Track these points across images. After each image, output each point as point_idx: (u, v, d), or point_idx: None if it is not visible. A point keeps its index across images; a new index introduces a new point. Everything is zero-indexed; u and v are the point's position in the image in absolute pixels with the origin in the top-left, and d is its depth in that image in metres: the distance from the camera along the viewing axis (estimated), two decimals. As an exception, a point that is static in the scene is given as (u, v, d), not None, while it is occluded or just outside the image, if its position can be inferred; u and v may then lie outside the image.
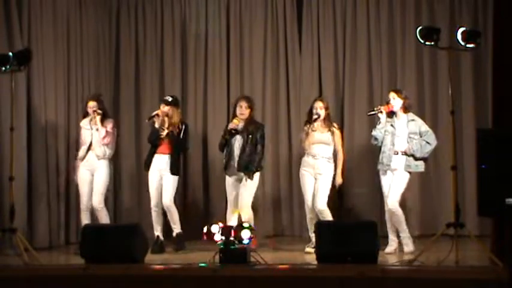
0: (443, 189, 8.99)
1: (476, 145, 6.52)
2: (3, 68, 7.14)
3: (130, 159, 9.81)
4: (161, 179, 8.07)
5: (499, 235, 6.47)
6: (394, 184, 7.55)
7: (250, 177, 7.83)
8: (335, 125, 7.97)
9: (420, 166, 7.63)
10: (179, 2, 9.98)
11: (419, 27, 6.84)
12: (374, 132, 7.69)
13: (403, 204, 7.79)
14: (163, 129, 8.06)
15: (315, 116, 7.81)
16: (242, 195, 7.84)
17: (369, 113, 7.94)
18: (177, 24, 9.97)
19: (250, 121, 7.95)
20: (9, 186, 7.18)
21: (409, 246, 7.44)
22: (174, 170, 8.06)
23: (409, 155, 7.54)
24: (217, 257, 6.33)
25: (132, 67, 10.00)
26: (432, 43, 6.71)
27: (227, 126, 8.08)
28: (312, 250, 7.33)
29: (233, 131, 7.91)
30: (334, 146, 7.87)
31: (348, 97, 9.51)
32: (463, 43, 6.66)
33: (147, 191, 8.21)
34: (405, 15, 9.42)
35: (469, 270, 5.96)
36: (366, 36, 9.54)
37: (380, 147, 7.69)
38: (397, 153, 7.57)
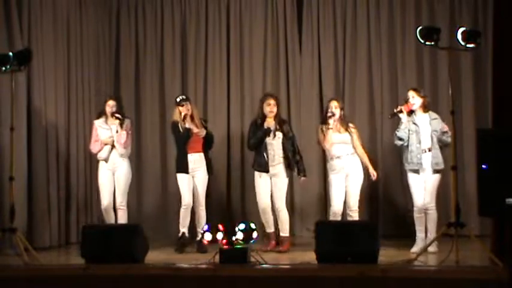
0: (443, 189, 8.98)
1: (477, 145, 6.52)
2: (4, 68, 7.14)
3: (130, 159, 9.77)
4: (194, 178, 8.08)
5: (499, 235, 6.48)
6: (429, 184, 7.52)
7: (303, 174, 8.03)
8: (351, 124, 8.01)
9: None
10: (179, 2, 9.98)
11: (420, 27, 6.85)
12: (399, 133, 7.59)
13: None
14: (198, 130, 8.05)
15: (329, 114, 7.84)
16: (279, 195, 7.96)
17: (391, 116, 7.84)
18: (177, 24, 9.97)
19: (279, 118, 8.04)
20: (9, 186, 7.18)
21: (434, 247, 7.37)
22: (210, 169, 8.18)
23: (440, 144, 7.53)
24: (217, 257, 6.33)
25: (132, 67, 10.00)
26: (432, 43, 6.72)
27: (255, 124, 8.07)
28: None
29: (271, 130, 7.93)
30: (353, 144, 7.89)
31: (348, 97, 9.51)
32: (463, 43, 6.67)
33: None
34: (405, 15, 9.43)
35: (469, 270, 5.96)
36: (366, 36, 9.54)
37: (406, 147, 7.60)
38: (425, 151, 7.54)
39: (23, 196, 8.12)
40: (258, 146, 7.99)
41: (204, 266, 6.31)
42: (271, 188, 8.00)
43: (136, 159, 9.74)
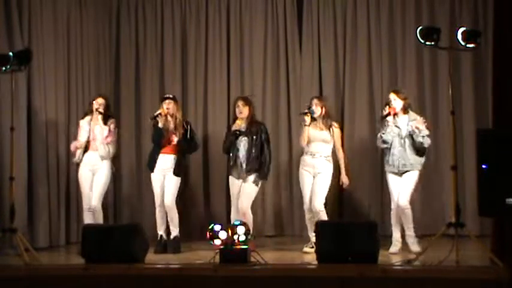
0: (443, 189, 9.00)
1: (476, 145, 6.51)
2: (4, 68, 7.13)
3: (130, 159, 9.81)
4: (164, 179, 8.03)
5: (499, 235, 6.47)
6: (406, 182, 7.53)
7: (262, 180, 7.87)
8: (335, 123, 7.96)
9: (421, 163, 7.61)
10: (179, 1, 9.97)
11: (420, 27, 6.83)
12: (385, 136, 7.58)
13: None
14: (174, 133, 7.95)
15: (305, 111, 7.80)
16: (244, 197, 7.82)
17: (382, 118, 7.76)
18: (177, 24, 9.97)
19: (251, 121, 7.94)
20: (9, 186, 7.18)
21: (415, 246, 7.42)
22: (177, 171, 8.01)
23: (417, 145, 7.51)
24: (217, 257, 6.33)
25: (133, 67, 10.00)
26: (432, 43, 6.71)
27: (230, 128, 8.08)
28: (311, 250, 7.33)
29: (237, 132, 7.90)
30: (334, 144, 7.87)
31: (348, 97, 9.51)
32: (463, 43, 6.66)
33: (151, 190, 8.15)
34: (405, 15, 9.42)
35: (469, 270, 5.96)
36: (366, 37, 9.54)
37: (388, 149, 7.61)
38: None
39: (23, 196, 8.11)
40: (229, 148, 7.94)
41: (204, 266, 6.31)
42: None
43: (137, 158, 9.76)
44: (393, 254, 7.41)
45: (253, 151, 7.81)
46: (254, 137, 7.84)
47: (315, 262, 6.36)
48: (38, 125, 8.50)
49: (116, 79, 9.99)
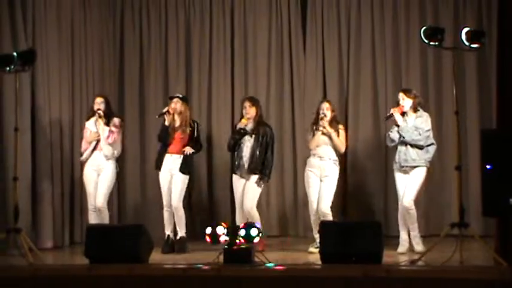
0: (447, 189, 8.99)
1: (481, 145, 6.51)
2: (8, 69, 7.15)
3: (135, 159, 9.81)
4: (171, 179, 8.03)
5: (503, 235, 6.47)
6: (410, 181, 7.53)
7: (264, 181, 7.92)
8: (341, 126, 7.98)
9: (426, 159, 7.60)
10: (183, 3, 9.97)
11: (424, 28, 6.83)
12: (392, 135, 7.60)
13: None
14: (182, 130, 7.99)
15: (321, 115, 7.82)
16: (247, 197, 7.87)
17: (386, 118, 7.86)
18: (181, 25, 9.96)
19: (258, 122, 7.99)
20: (13, 187, 7.19)
21: (419, 246, 7.42)
22: (184, 170, 8.01)
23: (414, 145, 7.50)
24: (221, 257, 6.33)
25: (137, 68, 10.00)
26: (436, 43, 6.71)
27: (235, 126, 8.11)
28: (316, 250, 7.33)
29: (242, 131, 7.92)
30: (335, 142, 7.85)
31: (352, 97, 9.51)
32: (467, 43, 6.66)
33: (156, 190, 8.15)
34: (409, 16, 9.42)
35: (473, 270, 5.95)
36: (370, 37, 9.53)
37: (395, 147, 7.62)
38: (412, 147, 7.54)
39: (28, 196, 8.13)
40: (233, 147, 7.99)
41: (208, 266, 6.31)
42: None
43: (141, 158, 9.76)
44: (401, 254, 7.39)
45: (258, 151, 7.86)
46: (260, 138, 7.89)
47: (319, 262, 6.36)
48: (42, 125, 8.51)
49: (120, 80, 10.00)
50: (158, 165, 8.07)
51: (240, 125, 7.97)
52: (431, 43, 6.72)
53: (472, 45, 6.67)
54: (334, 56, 9.64)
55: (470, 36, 6.65)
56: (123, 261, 6.34)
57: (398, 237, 7.70)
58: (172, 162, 8.02)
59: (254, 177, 7.88)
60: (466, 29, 6.72)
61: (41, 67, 8.43)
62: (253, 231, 6.46)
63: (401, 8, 9.45)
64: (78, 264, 6.80)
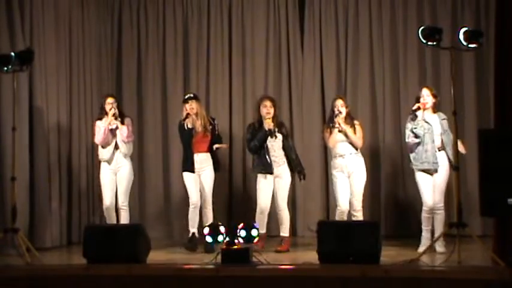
0: (446, 189, 8.97)
1: (478, 145, 6.51)
2: (6, 68, 7.15)
3: (132, 159, 9.77)
4: (199, 177, 8.09)
5: (501, 235, 6.47)
6: (439, 182, 7.47)
7: (304, 177, 8.08)
8: (357, 122, 7.98)
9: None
10: (181, 2, 9.97)
11: (422, 27, 6.83)
12: (416, 130, 7.44)
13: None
14: (206, 129, 8.10)
15: (336, 112, 7.82)
16: (282, 196, 8.00)
17: (413, 111, 7.61)
18: (179, 24, 9.96)
19: (276, 120, 8.03)
20: (11, 186, 7.19)
21: (442, 247, 7.33)
22: (217, 167, 8.22)
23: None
24: (219, 257, 6.33)
25: (134, 67, 10.00)
26: (434, 43, 6.72)
27: (254, 127, 8.08)
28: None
29: (269, 132, 7.92)
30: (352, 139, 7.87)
31: (350, 96, 9.47)
32: (465, 43, 6.66)
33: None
34: (407, 15, 9.42)
35: (471, 270, 5.96)
36: (368, 36, 9.54)
37: (419, 145, 7.46)
38: (440, 150, 7.48)
39: (25, 196, 8.11)
40: (260, 148, 8.00)
41: (206, 266, 6.31)
42: (273, 189, 8.00)
43: (139, 158, 9.75)
44: (421, 253, 7.33)
45: (293, 151, 8.07)
46: (288, 137, 8.09)
47: (317, 262, 6.36)
48: (40, 125, 8.50)
49: (117, 79, 10.01)
50: (191, 168, 8.09)
51: (268, 126, 7.92)
52: (429, 43, 6.73)
53: (470, 45, 6.68)
54: (332, 55, 9.64)
55: (468, 36, 6.65)
56: (121, 261, 6.34)
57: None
58: (200, 161, 8.09)
59: (289, 176, 8.01)
60: (463, 29, 6.73)
61: (38, 67, 8.42)
62: (254, 232, 6.48)
63: (399, 8, 9.45)
64: (76, 264, 6.80)
